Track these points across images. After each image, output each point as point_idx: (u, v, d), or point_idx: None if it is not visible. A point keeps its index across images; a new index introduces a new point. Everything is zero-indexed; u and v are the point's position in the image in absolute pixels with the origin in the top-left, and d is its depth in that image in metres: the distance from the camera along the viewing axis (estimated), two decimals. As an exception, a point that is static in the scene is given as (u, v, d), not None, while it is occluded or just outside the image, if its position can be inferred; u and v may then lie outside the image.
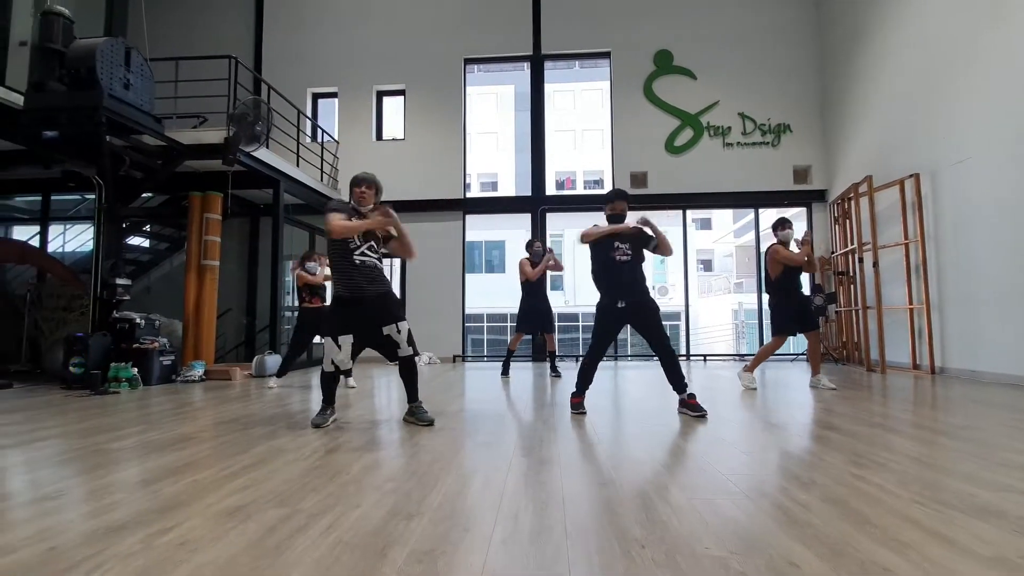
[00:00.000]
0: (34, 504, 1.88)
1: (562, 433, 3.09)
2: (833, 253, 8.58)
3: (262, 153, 6.74)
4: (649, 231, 3.72)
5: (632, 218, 3.84)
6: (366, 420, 3.56)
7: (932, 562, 1.36)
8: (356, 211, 3.40)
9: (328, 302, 5.39)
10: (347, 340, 3.30)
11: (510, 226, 17.52)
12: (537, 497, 1.91)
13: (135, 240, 9.16)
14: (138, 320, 5.90)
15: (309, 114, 9.88)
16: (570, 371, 6.97)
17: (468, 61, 9.92)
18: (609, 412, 3.86)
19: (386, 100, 10.21)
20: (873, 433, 2.97)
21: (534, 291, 6.24)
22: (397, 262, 9.20)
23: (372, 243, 3.38)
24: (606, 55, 9.68)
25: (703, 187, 9.15)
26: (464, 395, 4.89)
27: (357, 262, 3.30)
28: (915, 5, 6.80)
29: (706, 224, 25.05)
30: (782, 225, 5.05)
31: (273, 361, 6.68)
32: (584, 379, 3.78)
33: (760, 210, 9.74)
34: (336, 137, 9.79)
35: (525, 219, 9.66)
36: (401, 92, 9.91)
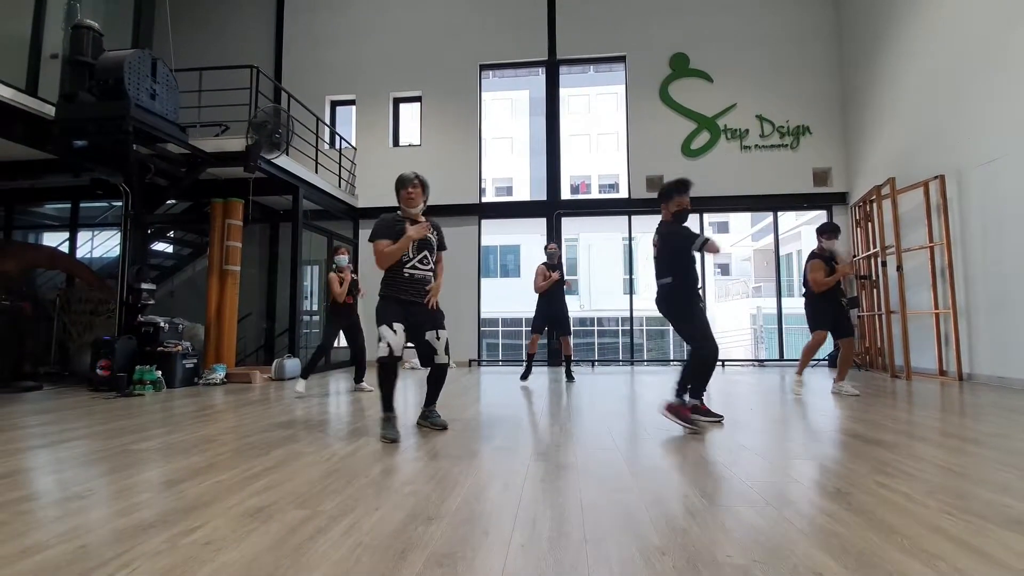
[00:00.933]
0: (64, 503, 1.93)
1: (579, 438, 3.08)
2: (855, 257, 8.42)
3: (282, 160, 6.86)
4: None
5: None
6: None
7: (963, 574, 1.32)
8: (406, 221, 3.32)
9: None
10: (400, 327, 3.17)
11: (525, 230, 17.55)
12: (555, 502, 1.91)
13: (159, 246, 9.37)
14: (162, 324, 6.02)
15: (327, 121, 10.03)
16: (584, 376, 6.94)
17: (483, 67, 9.98)
18: (627, 418, 3.83)
19: (403, 107, 10.32)
20: (899, 441, 2.90)
21: (548, 296, 6.23)
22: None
23: (425, 254, 3.32)
24: (621, 59, 9.66)
25: (720, 190, 9.06)
26: (480, 400, 4.90)
27: (407, 275, 3.26)
28: (936, 6, 6.67)
29: (723, 228, 24.77)
30: (829, 233, 4.86)
31: (292, 365, 6.77)
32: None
33: (779, 213, 9.61)
34: (354, 144, 9.92)
35: (540, 223, 9.66)
36: (417, 99, 10.01)
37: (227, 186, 7.08)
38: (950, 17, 6.47)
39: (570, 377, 6.34)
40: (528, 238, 19.73)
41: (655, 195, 9.26)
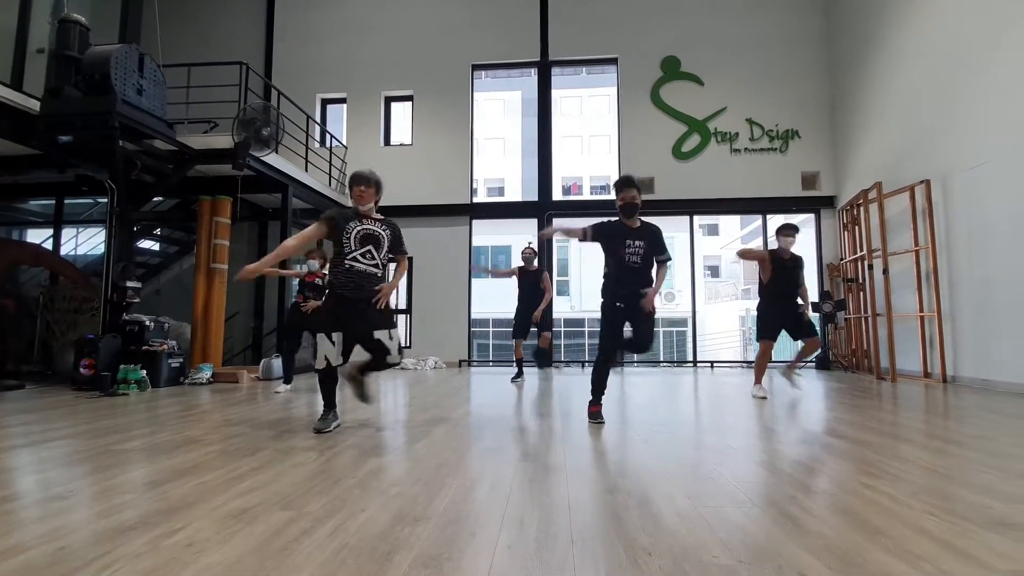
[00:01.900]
0: (45, 504, 1.90)
1: (568, 439, 3.08)
2: (842, 260, 8.51)
3: (271, 158, 6.80)
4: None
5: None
6: (370, 424, 3.56)
7: (947, 575, 1.33)
8: (356, 213, 3.32)
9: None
10: (338, 337, 3.21)
11: (517, 231, 17.52)
12: (543, 503, 1.90)
13: (145, 243, 9.26)
14: (147, 322, 5.95)
15: (318, 119, 9.97)
16: (574, 376, 6.95)
17: (476, 67, 9.98)
18: (616, 419, 3.83)
19: (394, 105, 10.28)
20: (884, 442, 2.93)
21: (523, 298, 6.35)
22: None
23: (370, 248, 3.26)
24: (613, 61, 9.70)
25: (710, 193, 9.12)
26: (470, 400, 4.89)
27: (346, 266, 3.22)
28: (925, 11, 6.77)
29: (713, 230, 24.93)
30: (784, 231, 4.89)
31: (280, 365, 6.71)
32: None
33: (768, 216, 9.69)
34: (344, 142, 9.86)
35: (532, 224, 9.66)
36: (409, 98, 9.98)
37: (215, 183, 7.01)
38: (937, 25, 6.57)
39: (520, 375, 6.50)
40: (520, 239, 19.67)
41: (646, 197, 9.30)
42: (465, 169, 9.63)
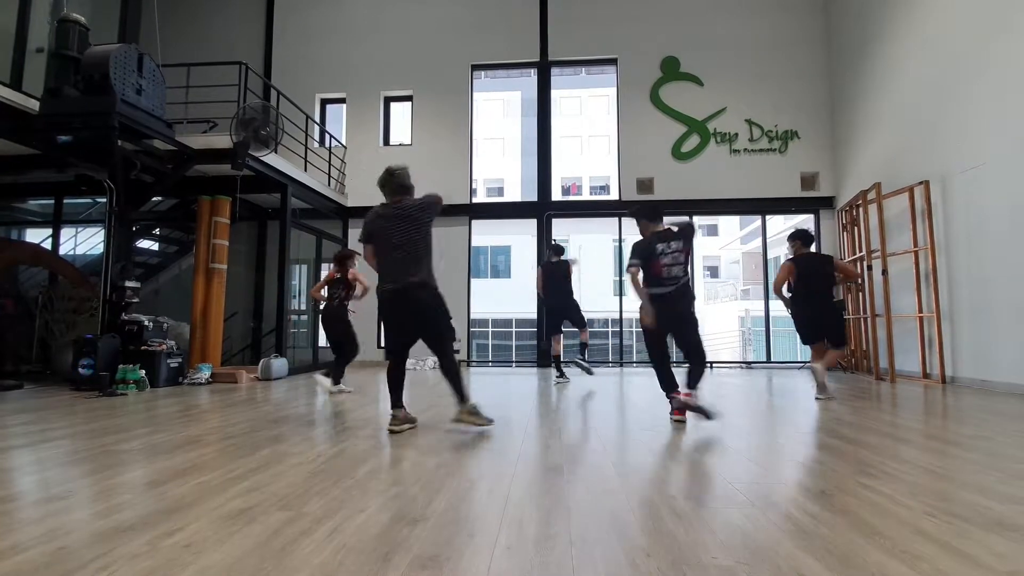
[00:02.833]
0: (44, 504, 1.90)
1: (567, 440, 3.08)
2: (841, 260, 8.52)
3: (271, 158, 6.79)
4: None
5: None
6: (371, 425, 3.56)
7: (945, 575, 1.33)
8: (389, 216, 3.38)
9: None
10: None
11: (516, 231, 17.54)
12: (542, 504, 1.90)
13: (144, 243, 9.25)
14: (146, 322, 5.94)
15: (317, 119, 9.96)
16: (573, 376, 6.94)
17: (475, 67, 9.97)
18: (616, 419, 3.83)
19: (394, 106, 10.27)
20: (882, 443, 2.93)
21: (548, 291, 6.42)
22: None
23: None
24: (613, 61, 9.70)
25: (710, 193, 9.13)
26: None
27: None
28: (924, 12, 6.77)
29: (713, 231, 24.95)
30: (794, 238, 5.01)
31: (279, 364, 6.71)
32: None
33: (767, 217, 9.70)
34: (344, 142, 9.86)
35: (531, 224, 9.66)
36: (409, 98, 9.98)
37: (214, 183, 7.01)
38: (935, 27, 6.57)
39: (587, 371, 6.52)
40: (519, 239, 19.73)
41: (646, 197, 9.34)
42: (464, 169, 9.63)
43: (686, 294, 3.63)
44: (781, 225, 19.14)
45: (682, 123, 9.31)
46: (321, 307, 5.51)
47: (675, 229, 3.73)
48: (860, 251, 7.64)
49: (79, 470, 2.38)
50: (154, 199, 7.58)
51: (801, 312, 4.91)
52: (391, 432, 3.20)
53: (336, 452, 2.70)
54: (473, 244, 9.69)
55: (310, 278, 9.47)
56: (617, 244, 9.69)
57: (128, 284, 5.95)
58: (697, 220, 9.68)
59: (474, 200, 9.93)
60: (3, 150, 6.14)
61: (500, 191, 24.65)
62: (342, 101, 10.15)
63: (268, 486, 2.09)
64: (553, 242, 6.56)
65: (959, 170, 6.09)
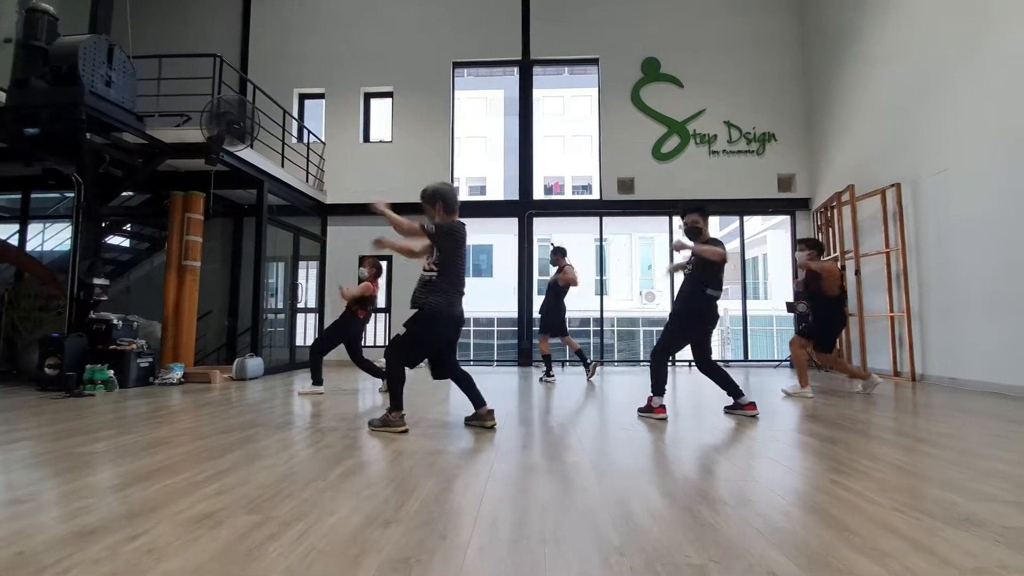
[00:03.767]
0: (4, 507, 1.83)
1: (545, 439, 3.07)
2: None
3: (246, 153, 6.66)
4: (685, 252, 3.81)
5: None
6: (346, 425, 3.50)
7: (913, 572, 1.35)
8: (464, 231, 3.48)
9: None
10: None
11: (499, 230, 17.48)
12: (517, 504, 1.89)
13: (115, 240, 9.00)
14: (115, 321, 5.78)
15: (295, 115, 9.80)
16: (562, 376, 6.95)
17: (457, 65, 9.92)
18: (594, 418, 3.84)
19: (374, 102, 10.16)
20: (854, 440, 2.98)
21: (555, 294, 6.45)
22: (386, 263, 9.14)
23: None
24: (594, 62, 9.73)
25: (689, 194, 9.20)
26: (448, 400, 4.85)
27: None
28: (897, 18, 6.93)
29: (693, 231, 25.20)
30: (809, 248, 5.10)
31: (255, 364, 6.58)
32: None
33: (745, 218, 9.83)
34: (323, 138, 9.72)
35: (513, 223, 9.65)
36: (389, 94, 9.87)
37: (188, 179, 6.84)
38: (907, 34, 6.73)
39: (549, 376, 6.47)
40: (501, 238, 19.67)
41: (627, 197, 9.37)
42: (446, 167, 9.56)
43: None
44: (759, 226, 19.46)
45: (662, 124, 9.39)
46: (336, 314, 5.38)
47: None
48: (835, 252, 7.79)
49: (42, 473, 2.30)
50: (125, 194, 7.38)
51: (843, 320, 5.05)
52: (405, 432, 3.17)
53: (309, 453, 2.65)
54: (454, 243, 9.63)
55: (287, 276, 9.31)
56: (598, 244, 9.72)
57: (96, 282, 5.78)
58: (677, 221, 9.79)
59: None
60: (-34, 142, 5.91)
61: (483, 190, 24.59)
62: (321, 96, 10.00)
63: (237, 489, 2.04)
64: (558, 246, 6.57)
65: (929, 173, 6.25)
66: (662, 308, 19.10)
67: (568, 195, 23.71)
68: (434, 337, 3.27)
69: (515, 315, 9.54)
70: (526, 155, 9.70)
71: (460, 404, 4.53)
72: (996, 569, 1.36)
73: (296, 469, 2.34)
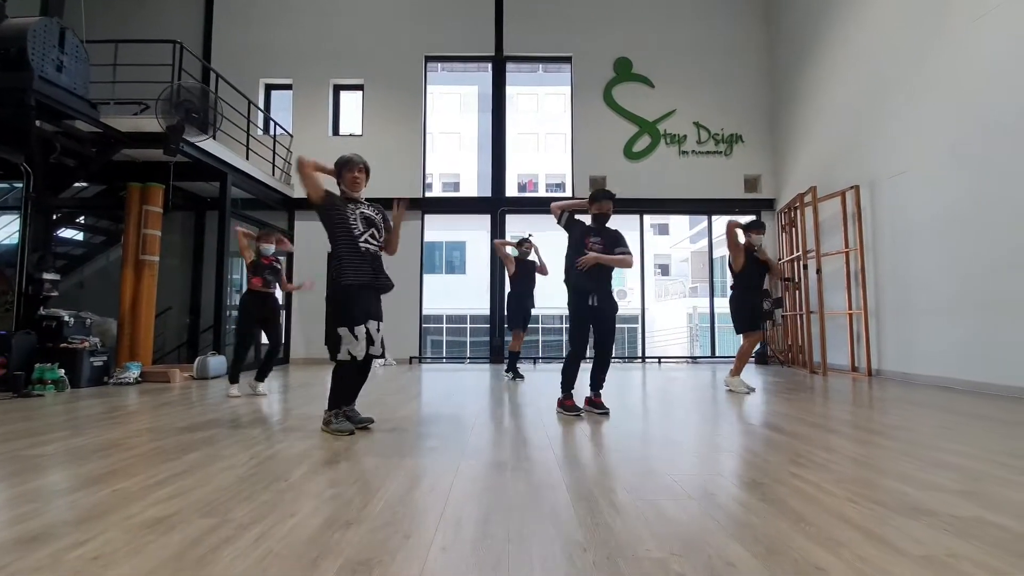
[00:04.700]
0: (-72, 518, 1.71)
1: (513, 437, 3.07)
2: (780, 260, 8.91)
3: (208, 144, 6.44)
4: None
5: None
6: (310, 423, 3.43)
7: (865, 561, 1.39)
8: (352, 200, 3.20)
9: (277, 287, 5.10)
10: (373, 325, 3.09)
11: (471, 227, 17.42)
12: (482, 502, 1.87)
13: (67, 233, 8.60)
14: (66, 318, 5.52)
15: (261, 106, 9.53)
16: (526, 372, 6.96)
17: (429, 59, 9.81)
18: (563, 415, 3.85)
19: (344, 94, 9.96)
20: (813, 433, 3.07)
21: (517, 287, 6.26)
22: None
23: (373, 231, 3.19)
24: (567, 59, 9.76)
25: (659, 193, 9.35)
26: (419, 397, 4.80)
27: (362, 248, 3.13)
28: (858, 25, 7.15)
29: (663, 230, 25.64)
30: (757, 227, 5.19)
31: (217, 363, 6.39)
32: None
33: (713, 217, 10.03)
34: (290, 131, 9.49)
35: (485, 220, 9.61)
36: (359, 87, 9.70)
37: (146, 170, 6.58)
38: (866, 40, 6.96)
39: (514, 374, 6.27)
40: (475, 235, 19.61)
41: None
42: (417, 162, 9.46)
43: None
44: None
45: (634, 123, 9.48)
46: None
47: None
48: (797, 251, 8.02)
49: (-22, 479, 2.17)
50: (77, 185, 7.05)
51: (751, 298, 5.15)
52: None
53: (270, 455, 2.58)
54: (427, 239, 9.55)
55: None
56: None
57: (46, 276, 5.52)
58: (648, 219, 9.93)
59: (428, 194, 9.78)
60: (-98, 127, 5.54)
61: (456, 186, 24.45)
62: (288, 88, 9.75)
63: (193, 492, 1.96)
64: (529, 236, 6.47)
65: (886, 176, 6.48)
66: (633, 305, 19.37)
67: (542, 192, 23.77)
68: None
69: (488, 312, 9.51)
70: (499, 152, 9.67)
71: (430, 402, 4.50)
72: (944, 557, 1.41)
73: (256, 471, 2.27)
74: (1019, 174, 4.77)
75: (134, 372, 5.73)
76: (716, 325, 9.70)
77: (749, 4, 9.69)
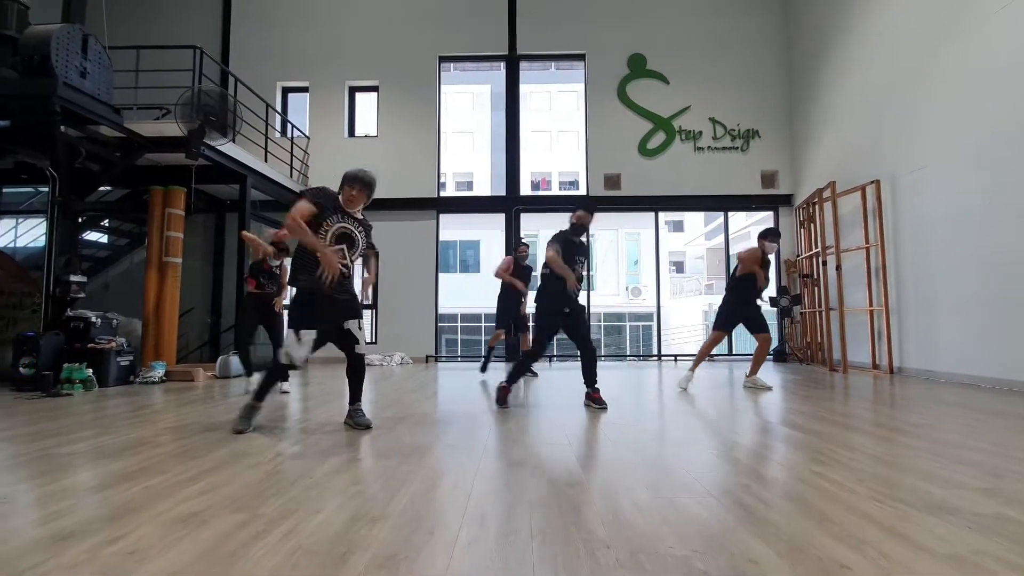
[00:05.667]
0: (-27, 513, 1.78)
1: (532, 434, 3.08)
2: (798, 256, 8.81)
3: (228, 147, 6.55)
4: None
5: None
6: (333, 423, 3.48)
7: (889, 559, 1.39)
8: (341, 210, 3.20)
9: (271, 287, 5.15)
10: (309, 336, 3.10)
11: (486, 226, 17.46)
12: (504, 499, 1.89)
13: (93, 235, 8.81)
14: (93, 319, 5.66)
15: (279, 108, 9.67)
16: (542, 371, 6.98)
17: (443, 59, 9.85)
18: (580, 412, 3.86)
19: (359, 96, 10.06)
20: (834, 431, 3.05)
21: (506, 289, 6.25)
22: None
23: (343, 248, 3.17)
24: (581, 57, 9.74)
25: (674, 190, 9.29)
26: (436, 396, 4.84)
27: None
28: (878, 18, 7.03)
29: (678, 227, 25.45)
30: (772, 236, 5.14)
31: (238, 362, 6.48)
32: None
33: (729, 213, 9.94)
34: (307, 133, 9.60)
35: (500, 219, 9.64)
36: (374, 88, 9.78)
37: (168, 173, 6.72)
38: (885, 34, 6.84)
39: (532, 373, 6.36)
40: (488, 233, 19.66)
41: (613, 193, 9.41)
42: (432, 162, 9.52)
43: None
44: (743, 221, 19.68)
45: (648, 120, 9.43)
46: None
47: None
48: (816, 247, 7.92)
49: (17, 475, 2.24)
50: (102, 189, 7.22)
51: (739, 308, 5.16)
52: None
53: (295, 452, 2.63)
54: (441, 238, 9.61)
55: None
56: (585, 239, 9.76)
57: (73, 278, 5.66)
58: (663, 216, 9.87)
59: (442, 194, 9.83)
60: (-66, 135, 5.73)
61: (469, 185, 24.50)
62: (305, 90, 9.87)
63: (221, 488, 2.01)
64: (524, 244, 6.51)
65: (906, 171, 6.37)
66: (648, 303, 19.25)
67: (555, 191, 23.74)
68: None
69: (502, 311, 9.53)
70: (513, 150, 9.69)
71: (448, 400, 4.54)
72: (969, 556, 1.40)
73: (281, 467, 2.32)
74: (1046, 166, 4.66)
75: (159, 371, 5.86)
76: (733, 322, 9.61)
77: (765, -2, 9.58)
